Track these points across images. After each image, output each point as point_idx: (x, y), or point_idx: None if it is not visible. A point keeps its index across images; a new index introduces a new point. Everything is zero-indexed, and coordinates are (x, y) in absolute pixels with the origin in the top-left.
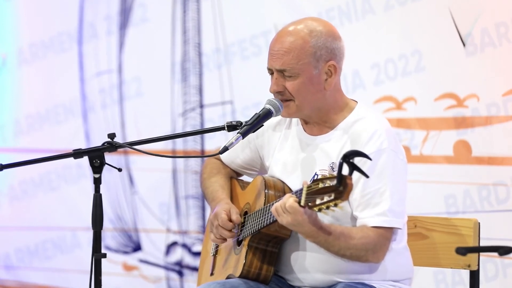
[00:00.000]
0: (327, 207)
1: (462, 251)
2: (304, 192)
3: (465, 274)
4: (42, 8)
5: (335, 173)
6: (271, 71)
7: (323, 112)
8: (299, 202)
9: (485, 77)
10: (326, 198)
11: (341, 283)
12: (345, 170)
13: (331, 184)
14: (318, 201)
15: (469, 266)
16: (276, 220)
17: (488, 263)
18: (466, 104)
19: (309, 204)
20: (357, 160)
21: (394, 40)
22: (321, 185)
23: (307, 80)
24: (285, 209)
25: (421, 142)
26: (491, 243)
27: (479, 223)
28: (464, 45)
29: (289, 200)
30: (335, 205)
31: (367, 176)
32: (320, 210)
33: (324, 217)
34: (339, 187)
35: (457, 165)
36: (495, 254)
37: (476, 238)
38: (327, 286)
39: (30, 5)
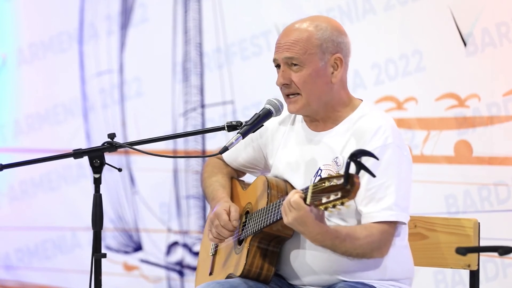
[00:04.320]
0: (334, 206)
1: (462, 251)
2: (310, 190)
3: (465, 274)
4: (42, 8)
5: (339, 168)
6: (277, 64)
7: (329, 107)
8: (304, 200)
9: (486, 77)
10: (332, 197)
11: (340, 283)
12: (352, 169)
13: (338, 183)
14: (324, 200)
15: (469, 266)
16: (278, 220)
17: (488, 263)
18: (467, 104)
19: (315, 202)
20: (364, 158)
21: (394, 40)
22: (327, 183)
23: (314, 72)
24: (290, 205)
25: (422, 142)
26: (491, 243)
27: (479, 223)
28: (465, 45)
29: (294, 196)
30: (342, 203)
31: (374, 176)
32: (326, 208)
33: (330, 215)
34: (346, 186)
35: (457, 165)
36: (495, 254)
37: (476, 238)
38: (327, 285)
39: (30, 5)
